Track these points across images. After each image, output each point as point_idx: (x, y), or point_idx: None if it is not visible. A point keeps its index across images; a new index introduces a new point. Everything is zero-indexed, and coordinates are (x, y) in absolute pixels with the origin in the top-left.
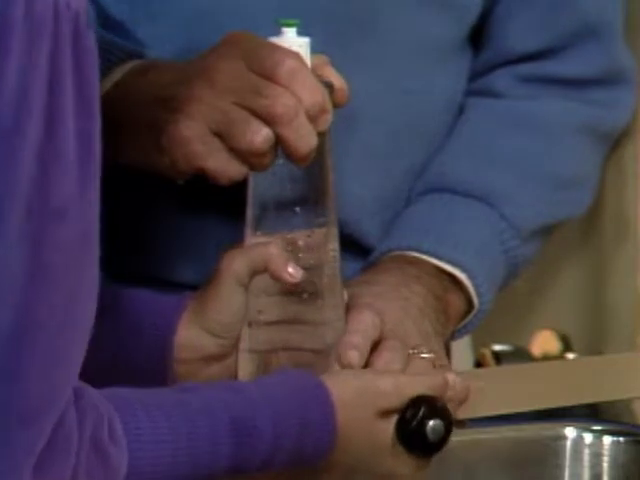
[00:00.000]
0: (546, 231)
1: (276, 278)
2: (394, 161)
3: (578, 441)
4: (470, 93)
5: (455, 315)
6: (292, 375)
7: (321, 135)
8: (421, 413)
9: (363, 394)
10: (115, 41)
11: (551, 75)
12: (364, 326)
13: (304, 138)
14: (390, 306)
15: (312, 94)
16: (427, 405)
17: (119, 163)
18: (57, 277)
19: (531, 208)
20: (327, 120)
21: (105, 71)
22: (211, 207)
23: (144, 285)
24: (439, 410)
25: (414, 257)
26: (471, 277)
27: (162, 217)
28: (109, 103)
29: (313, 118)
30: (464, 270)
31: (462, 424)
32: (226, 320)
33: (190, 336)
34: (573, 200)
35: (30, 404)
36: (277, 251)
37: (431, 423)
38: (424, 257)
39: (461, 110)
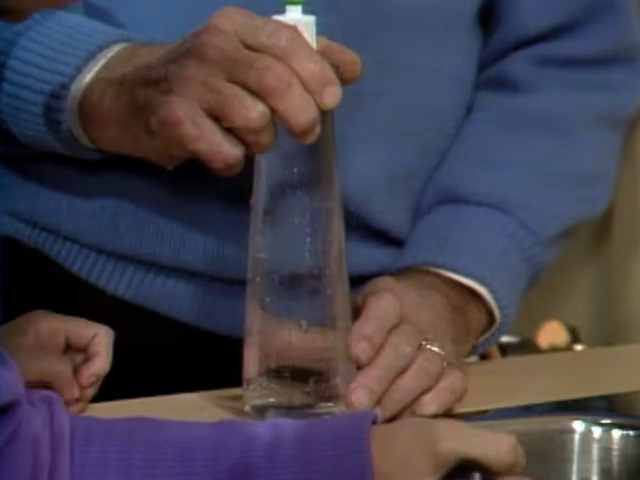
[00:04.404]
0: (567, 233)
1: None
2: (402, 137)
3: (587, 435)
4: (482, 84)
5: (476, 329)
6: (335, 424)
7: (325, 113)
8: None
9: (418, 440)
10: (97, 26)
11: (566, 56)
12: (382, 312)
13: (300, 110)
14: (410, 293)
15: (310, 64)
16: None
17: (107, 151)
18: None
19: (551, 212)
20: (333, 94)
21: (88, 58)
22: (213, 191)
23: (147, 270)
24: None
25: (430, 271)
26: (491, 290)
27: (164, 203)
28: (95, 90)
29: (314, 90)
30: (483, 283)
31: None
32: None
33: None
34: (594, 198)
35: None
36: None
37: None
38: (441, 271)
39: (470, 107)
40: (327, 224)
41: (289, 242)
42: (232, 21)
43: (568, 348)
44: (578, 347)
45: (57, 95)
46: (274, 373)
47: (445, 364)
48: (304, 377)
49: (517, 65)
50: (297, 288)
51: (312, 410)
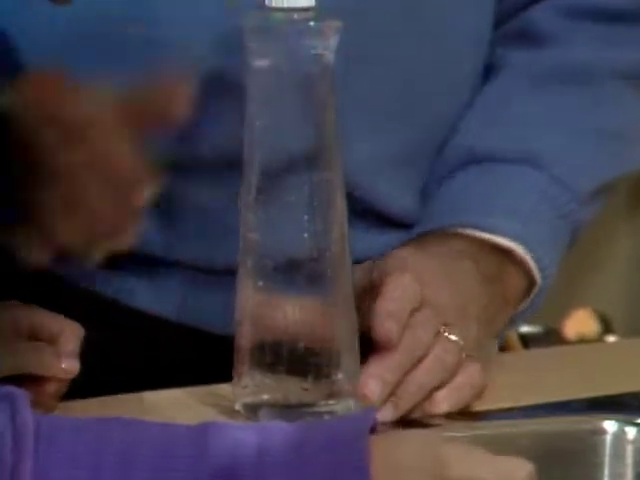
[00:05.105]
0: (605, 189)
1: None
2: (413, 111)
3: (620, 436)
4: (502, 39)
5: (515, 297)
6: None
7: (325, 72)
8: None
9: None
10: None
11: (596, 7)
12: (401, 293)
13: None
14: (432, 269)
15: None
16: None
17: None
18: None
19: (585, 167)
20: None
21: None
22: (195, 165)
23: (148, 266)
24: None
25: (459, 233)
26: (530, 249)
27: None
28: None
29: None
30: (521, 242)
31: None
32: None
33: None
34: (630, 152)
35: None
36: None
37: None
38: (471, 232)
39: (489, 67)
40: (328, 200)
41: (285, 221)
42: None
43: (598, 339)
44: (610, 338)
45: None
46: (268, 367)
47: (464, 355)
48: (302, 371)
49: (542, 17)
50: (294, 272)
51: (311, 409)
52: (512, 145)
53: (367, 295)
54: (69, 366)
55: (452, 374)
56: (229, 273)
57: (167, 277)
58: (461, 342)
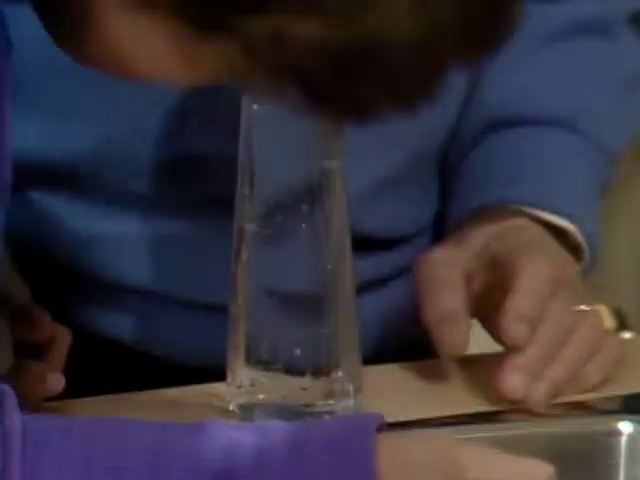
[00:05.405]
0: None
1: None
2: (403, 127)
3: (635, 437)
4: None
5: None
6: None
7: None
8: None
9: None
10: None
11: None
12: (537, 283)
13: None
14: (553, 247)
15: None
16: None
17: None
18: None
19: (615, 122)
20: None
21: None
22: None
23: (89, 291)
24: None
25: (517, 209)
26: (581, 227)
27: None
28: None
29: None
30: (573, 220)
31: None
32: None
33: None
34: None
35: None
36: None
37: None
38: (529, 209)
39: None
40: (328, 189)
41: (283, 210)
42: None
43: None
44: (626, 335)
45: None
46: (264, 365)
47: (605, 327)
48: (300, 370)
49: None
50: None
51: (310, 409)
52: (551, 105)
53: (487, 272)
54: (53, 385)
55: (599, 347)
56: (217, 309)
57: (154, 311)
58: (602, 317)
